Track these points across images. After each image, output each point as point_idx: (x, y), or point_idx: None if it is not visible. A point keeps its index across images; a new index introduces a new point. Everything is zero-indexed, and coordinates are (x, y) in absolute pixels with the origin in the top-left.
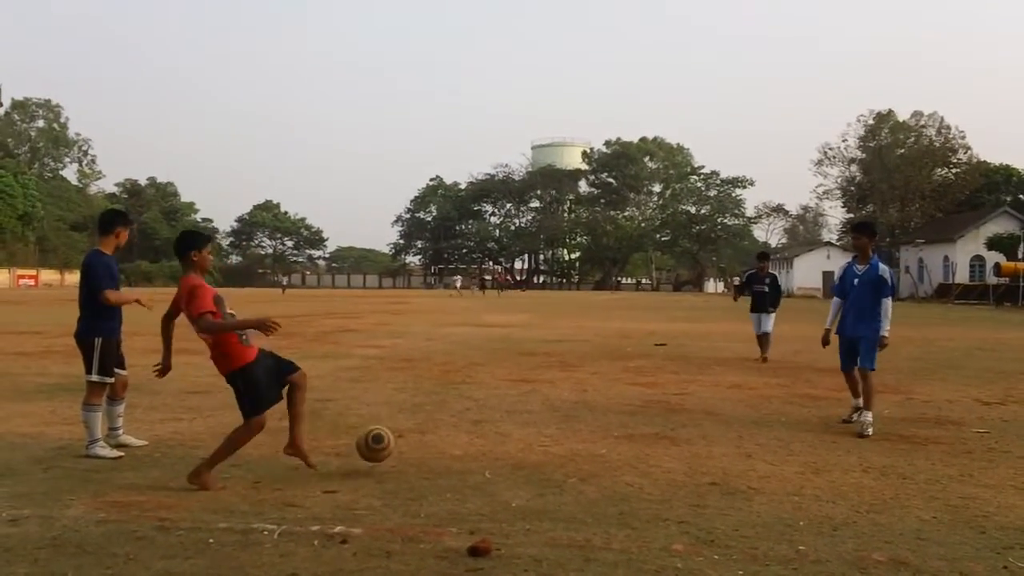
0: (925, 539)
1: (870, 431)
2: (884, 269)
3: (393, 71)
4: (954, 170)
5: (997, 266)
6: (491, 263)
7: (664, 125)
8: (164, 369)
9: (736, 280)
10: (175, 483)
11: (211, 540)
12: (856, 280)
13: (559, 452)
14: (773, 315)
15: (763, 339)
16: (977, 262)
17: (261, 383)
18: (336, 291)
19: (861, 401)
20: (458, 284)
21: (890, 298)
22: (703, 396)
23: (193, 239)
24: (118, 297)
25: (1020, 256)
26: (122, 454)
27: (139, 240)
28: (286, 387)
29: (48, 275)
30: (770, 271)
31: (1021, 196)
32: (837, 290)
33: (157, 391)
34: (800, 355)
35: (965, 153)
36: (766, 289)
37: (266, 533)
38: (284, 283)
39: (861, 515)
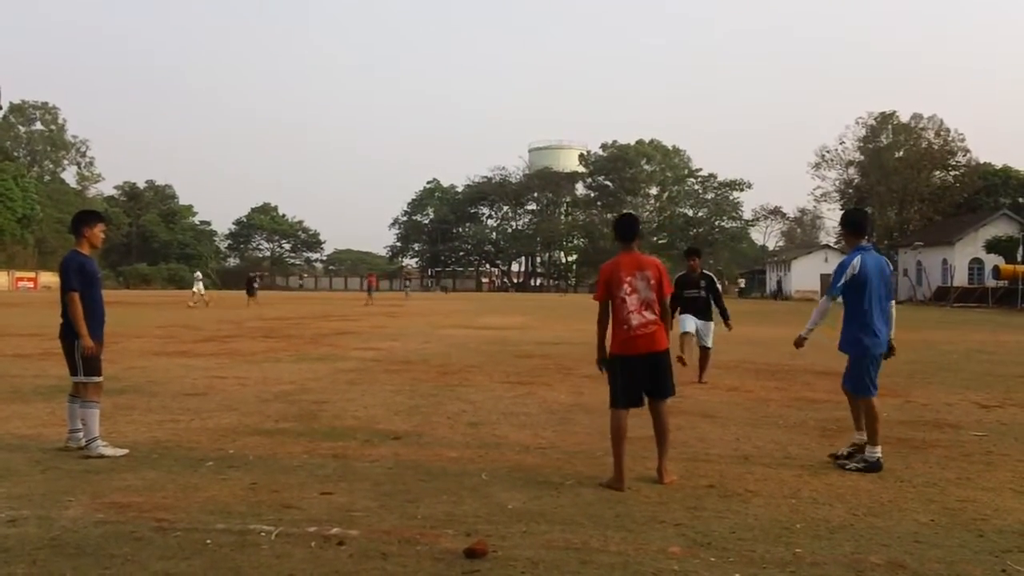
0: (923, 542)
1: (856, 466)
2: (839, 262)
3: (390, 74)
4: (953, 172)
5: (996, 269)
6: (487, 265)
7: (661, 128)
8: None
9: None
10: (172, 484)
11: (208, 541)
12: None
13: (556, 454)
14: (713, 324)
15: (703, 354)
16: (976, 265)
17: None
18: (333, 294)
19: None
20: (200, 287)
21: (827, 297)
22: (700, 399)
23: (637, 224)
24: (74, 309)
25: (1019, 259)
26: (126, 451)
27: (138, 243)
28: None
29: (47, 277)
30: (705, 271)
31: (1020, 199)
32: None
33: (155, 392)
34: (797, 358)
35: (964, 156)
36: (702, 294)
37: (263, 534)
38: (256, 283)
39: (858, 518)
